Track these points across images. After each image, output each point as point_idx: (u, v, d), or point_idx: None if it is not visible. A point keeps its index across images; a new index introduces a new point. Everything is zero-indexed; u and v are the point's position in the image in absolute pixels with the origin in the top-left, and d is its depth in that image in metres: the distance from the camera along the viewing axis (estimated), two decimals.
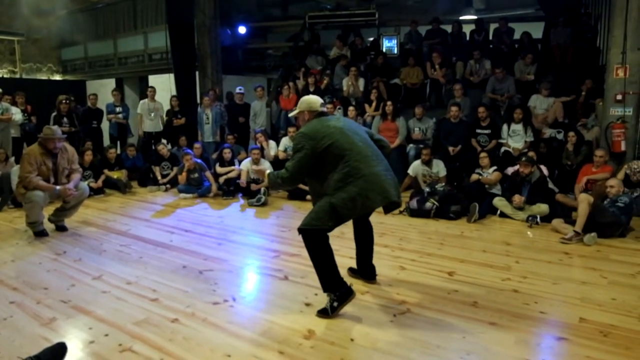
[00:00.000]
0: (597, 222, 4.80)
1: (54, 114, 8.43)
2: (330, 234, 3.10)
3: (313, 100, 3.33)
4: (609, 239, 4.81)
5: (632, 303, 3.28)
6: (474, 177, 6.30)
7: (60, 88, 11.47)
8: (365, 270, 3.67)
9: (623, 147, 6.34)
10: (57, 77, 13.75)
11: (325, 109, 3.35)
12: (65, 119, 8.42)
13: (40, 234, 5.03)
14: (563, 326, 2.97)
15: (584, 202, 4.86)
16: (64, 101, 8.49)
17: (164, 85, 9.99)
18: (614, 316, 3.07)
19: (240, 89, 9.40)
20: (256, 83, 10.12)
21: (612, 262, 4.21)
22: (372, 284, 3.62)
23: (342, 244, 4.16)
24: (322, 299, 3.11)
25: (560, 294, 3.44)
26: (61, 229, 5.28)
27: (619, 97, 6.36)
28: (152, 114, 9.10)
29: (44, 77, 13.36)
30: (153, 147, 8.82)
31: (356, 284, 3.60)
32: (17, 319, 3.04)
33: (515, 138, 7.09)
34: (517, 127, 7.08)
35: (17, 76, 12.57)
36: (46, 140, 5.01)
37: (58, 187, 5.02)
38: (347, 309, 3.14)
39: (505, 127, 7.17)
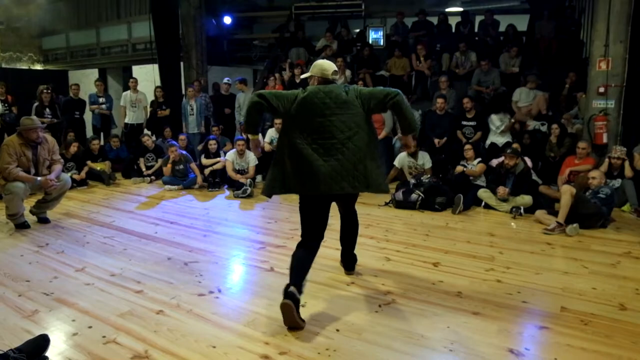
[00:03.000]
0: (579, 213, 4.88)
1: (35, 104, 8.28)
2: None
3: (326, 67, 3.12)
4: (590, 229, 4.89)
5: (612, 292, 3.34)
6: (459, 168, 6.34)
7: (42, 78, 11.27)
8: (343, 260, 3.69)
9: (605, 140, 6.43)
10: (38, 67, 13.50)
11: (335, 78, 3.15)
12: (47, 110, 8.28)
13: (21, 226, 4.95)
14: (545, 315, 3.01)
15: (566, 193, 4.92)
16: (44, 90, 8.33)
17: (148, 76, 9.86)
18: (594, 305, 3.12)
19: (227, 80, 9.32)
20: (242, 74, 10.05)
21: (593, 252, 4.28)
22: (351, 274, 3.63)
23: (329, 235, 4.16)
24: (307, 290, 3.10)
25: (542, 284, 3.49)
26: (43, 220, 5.21)
27: (602, 89, 6.44)
28: (135, 106, 8.99)
29: (25, 67, 13.10)
30: (138, 138, 8.73)
31: (341, 275, 3.63)
32: None
33: (498, 126, 7.20)
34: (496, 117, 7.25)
35: None
36: (28, 132, 4.91)
37: (39, 178, 4.95)
38: (333, 299, 3.17)
39: (491, 118, 7.28)
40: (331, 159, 2.93)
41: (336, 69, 3.18)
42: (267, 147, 7.68)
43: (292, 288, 2.74)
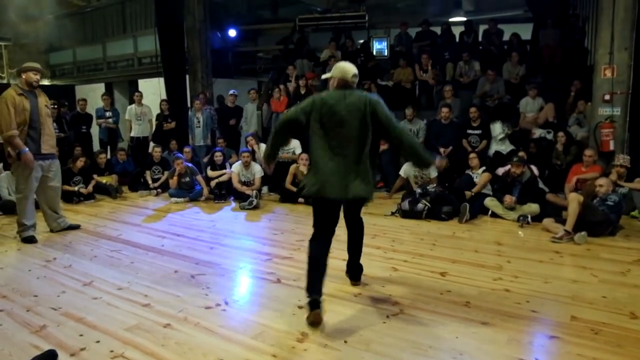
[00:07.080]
0: (587, 221, 4.84)
1: None
2: None
3: (347, 69, 3.20)
4: (599, 237, 4.85)
5: (622, 301, 3.30)
6: (468, 193, 6.22)
7: (49, 93, 11.27)
8: (350, 270, 3.68)
9: (612, 147, 6.40)
10: (46, 82, 13.62)
11: (354, 81, 3.24)
12: (54, 124, 8.35)
13: (28, 240, 4.96)
14: (554, 325, 2.98)
15: (574, 201, 4.89)
16: (51, 106, 8.41)
17: (154, 89, 9.94)
18: (605, 314, 3.09)
19: (233, 92, 9.39)
20: (247, 86, 10.11)
21: (603, 260, 4.24)
22: (357, 285, 3.62)
23: (335, 246, 4.15)
24: None
25: (551, 293, 3.46)
26: (71, 227, 5.42)
27: (607, 97, 6.43)
28: (140, 119, 9.06)
29: None
30: (144, 151, 8.79)
31: (348, 286, 3.61)
32: (7, 327, 3.00)
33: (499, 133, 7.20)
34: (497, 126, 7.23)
35: (5, 81, 12.44)
36: (28, 73, 5.05)
37: (26, 149, 4.93)
38: (340, 310, 3.15)
39: (493, 126, 7.27)
40: (348, 166, 3.06)
41: (356, 72, 3.24)
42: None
43: (314, 296, 2.93)
